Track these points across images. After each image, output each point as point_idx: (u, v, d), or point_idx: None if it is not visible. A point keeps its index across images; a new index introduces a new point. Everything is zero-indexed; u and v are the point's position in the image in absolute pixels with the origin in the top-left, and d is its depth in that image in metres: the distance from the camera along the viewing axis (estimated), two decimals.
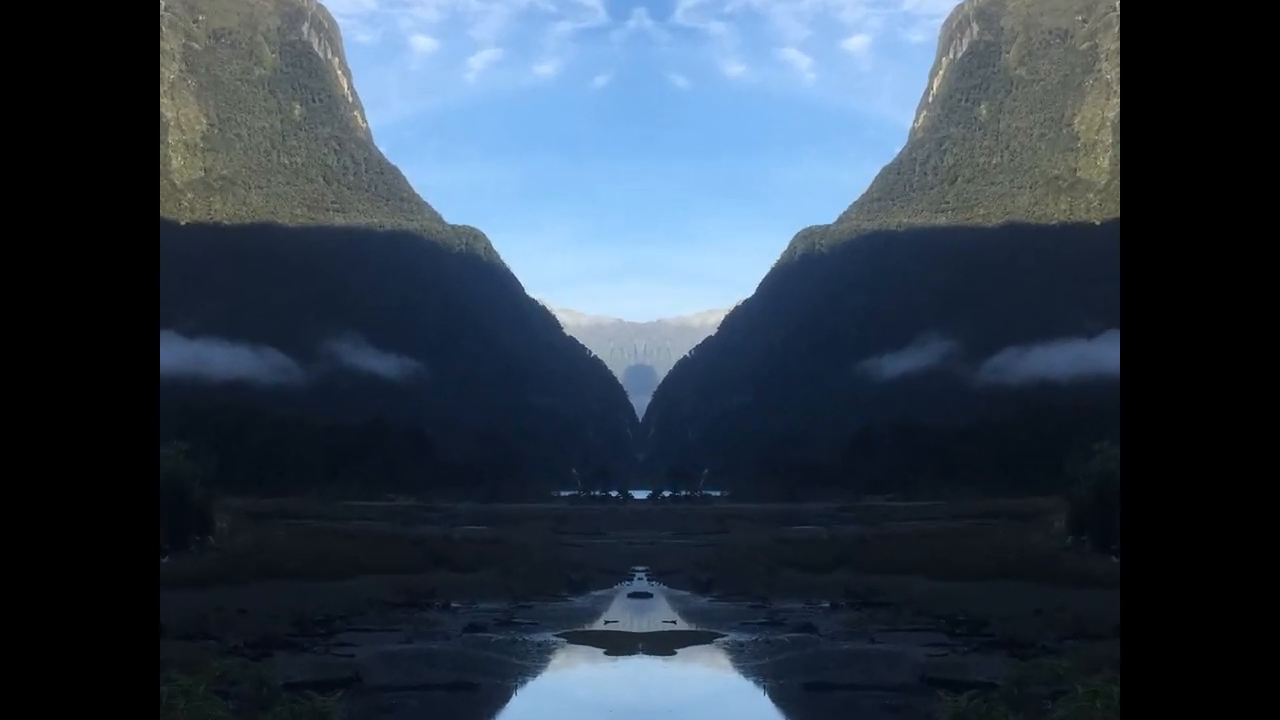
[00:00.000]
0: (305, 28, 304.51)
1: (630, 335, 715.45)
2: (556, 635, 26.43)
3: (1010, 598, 30.02)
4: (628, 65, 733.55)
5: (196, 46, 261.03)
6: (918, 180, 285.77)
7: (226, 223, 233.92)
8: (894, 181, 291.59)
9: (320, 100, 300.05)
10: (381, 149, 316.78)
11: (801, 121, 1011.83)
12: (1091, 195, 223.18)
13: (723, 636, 26.23)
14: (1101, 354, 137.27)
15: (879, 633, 25.92)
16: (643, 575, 43.78)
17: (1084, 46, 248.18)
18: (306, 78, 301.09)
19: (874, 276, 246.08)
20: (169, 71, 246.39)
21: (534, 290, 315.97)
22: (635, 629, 28.25)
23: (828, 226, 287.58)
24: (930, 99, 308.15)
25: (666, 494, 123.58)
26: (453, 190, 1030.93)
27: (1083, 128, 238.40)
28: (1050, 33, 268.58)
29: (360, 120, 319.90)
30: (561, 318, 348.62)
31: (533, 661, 23.22)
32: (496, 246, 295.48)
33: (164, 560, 33.22)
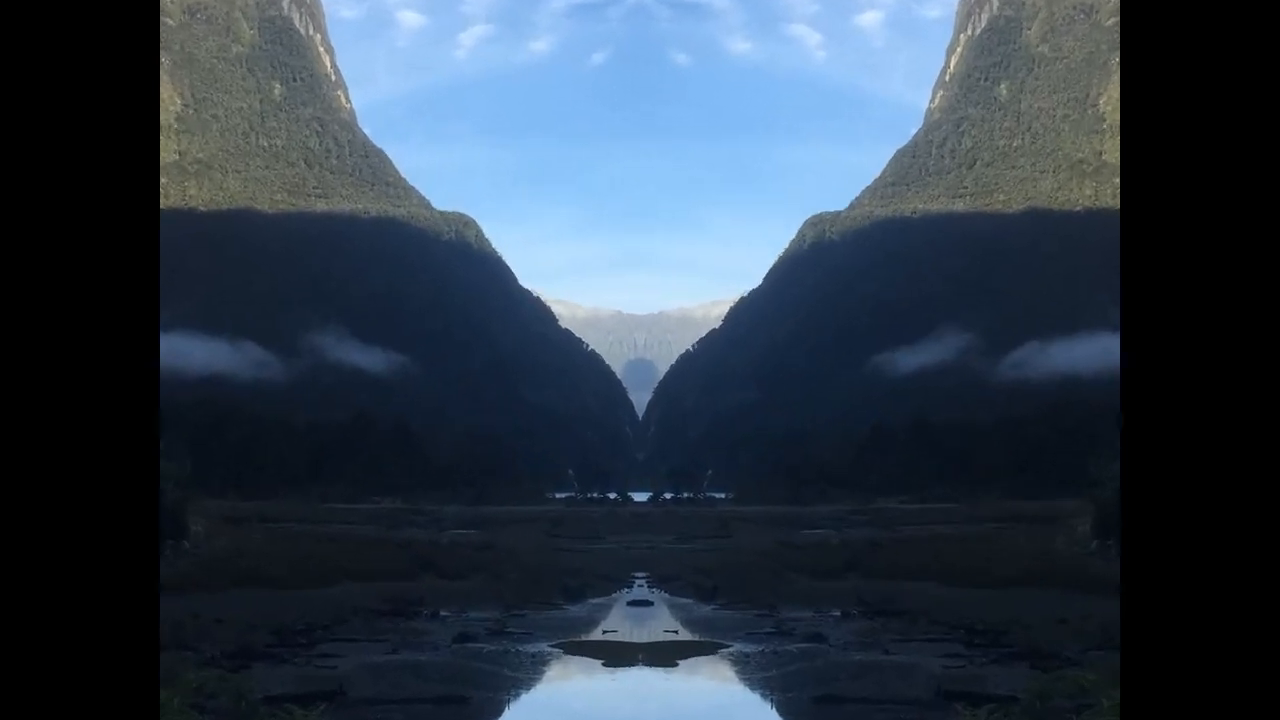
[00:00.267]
0: (285, 2, 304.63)
1: (629, 328, 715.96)
2: (551, 646, 26.45)
3: (1032, 606, 30.01)
4: (626, 42, 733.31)
5: (170, 22, 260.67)
6: (934, 164, 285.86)
7: (203, 209, 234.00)
8: (909, 165, 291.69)
9: (301, 79, 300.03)
10: (366, 131, 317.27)
11: (811, 101, 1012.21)
12: (1118, 180, 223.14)
13: (727, 647, 26.24)
14: None
15: (892, 643, 25.92)
16: (643, 582, 43.82)
17: (1109, 22, 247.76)
18: (287, 55, 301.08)
19: (887, 266, 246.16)
20: None
21: (527, 280, 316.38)
22: (635, 639, 28.25)
23: (838, 213, 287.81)
24: (947, 78, 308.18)
25: (668, 496, 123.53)
26: (441, 174, 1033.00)
27: (1108, 108, 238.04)
28: (1074, 8, 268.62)
29: (344, 100, 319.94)
30: (556, 309, 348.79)
31: (526, 673, 23.23)
32: (488, 234, 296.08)
33: None
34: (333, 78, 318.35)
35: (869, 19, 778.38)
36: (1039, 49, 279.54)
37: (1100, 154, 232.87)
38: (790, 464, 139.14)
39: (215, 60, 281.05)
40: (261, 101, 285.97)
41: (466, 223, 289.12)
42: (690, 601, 37.89)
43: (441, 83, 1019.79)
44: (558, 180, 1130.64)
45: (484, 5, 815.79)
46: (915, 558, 45.67)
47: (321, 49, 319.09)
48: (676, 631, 29.70)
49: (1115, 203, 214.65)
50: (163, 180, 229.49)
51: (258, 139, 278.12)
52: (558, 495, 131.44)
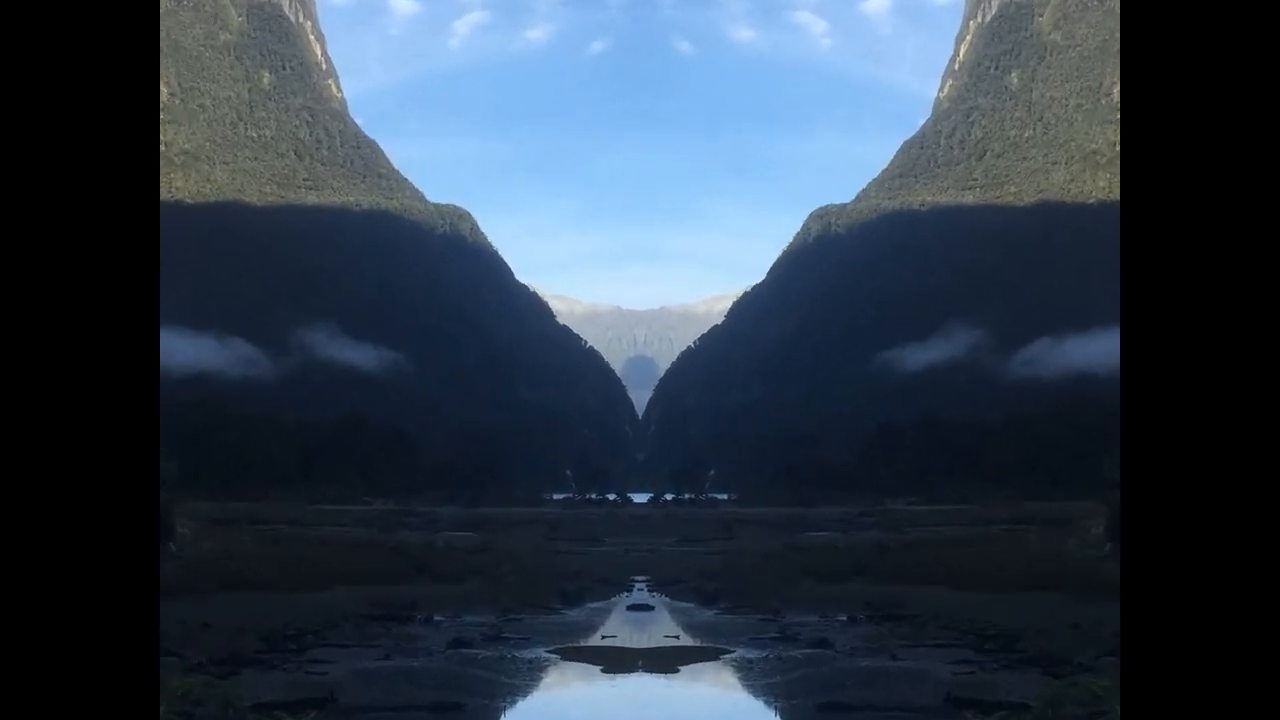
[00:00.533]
0: None
1: (629, 324, 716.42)
2: (549, 651, 26.43)
3: (1044, 610, 29.99)
4: (626, 30, 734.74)
5: None
6: (943, 155, 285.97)
7: (189, 201, 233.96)
8: (917, 156, 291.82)
9: (291, 68, 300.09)
10: (358, 121, 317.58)
11: (816, 91, 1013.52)
12: None
13: (730, 653, 26.22)
14: None
15: (900, 648, 25.90)
16: (643, 586, 43.79)
17: None
18: (276, 43, 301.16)
19: (895, 260, 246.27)
20: None
21: (524, 275, 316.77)
22: (635, 644, 28.23)
23: (845, 205, 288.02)
24: (956, 67, 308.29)
25: (669, 497, 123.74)
26: (436, 166, 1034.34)
27: None
28: None
29: (335, 90, 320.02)
30: (554, 305, 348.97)
31: (523, 680, 23.21)
32: (483, 227, 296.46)
33: None
34: (323, 66, 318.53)
35: (876, 6, 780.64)
36: (1051, 36, 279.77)
37: (1114, 145, 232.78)
38: (795, 464, 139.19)
39: (202, 48, 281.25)
40: (250, 91, 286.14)
41: (461, 215, 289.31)
42: (692, 606, 37.86)
43: (436, 71, 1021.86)
44: (556, 172, 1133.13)
45: None
46: (924, 561, 45.64)
47: (312, 37, 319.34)
48: (678, 637, 29.68)
49: None
50: None
51: (246, 129, 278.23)
52: (555, 496, 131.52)
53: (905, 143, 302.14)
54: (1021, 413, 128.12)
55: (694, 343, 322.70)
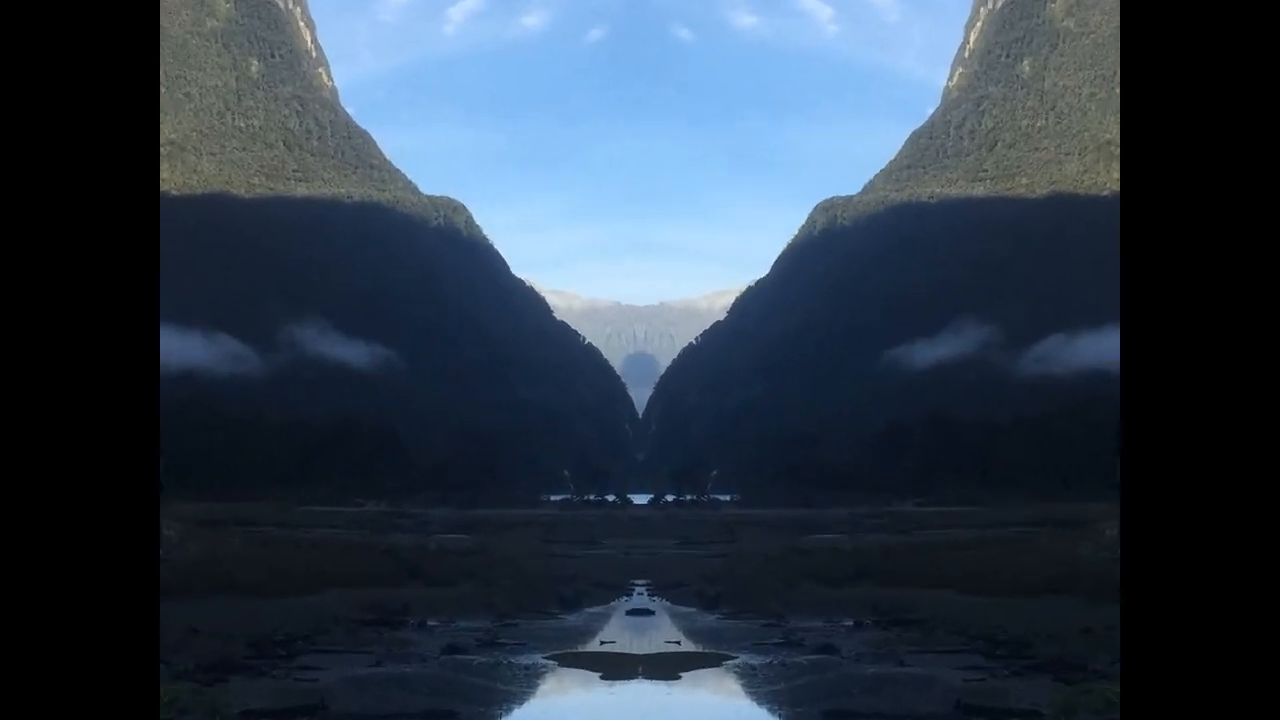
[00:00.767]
0: None
1: (629, 320, 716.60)
2: (546, 657, 26.46)
3: (1056, 615, 30.03)
4: (624, 16, 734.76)
5: None
6: (952, 145, 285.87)
7: (175, 193, 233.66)
8: (925, 147, 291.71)
9: (280, 55, 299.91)
10: (349, 110, 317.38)
11: (821, 79, 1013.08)
12: None
13: (733, 658, 26.25)
14: None
15: (908, 654, 25.92)
16: (643, 589, 43.84)
17: None
18: (265, 30, 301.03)
19: (902, 253, 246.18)
20: None
21: (520, 269, 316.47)
22: (635, 650, 28.27)
23: (851, 197, 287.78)
24: (966, 54, 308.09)
25: (669, 498, 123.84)
26: (429, 157, 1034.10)
27: None
28: None
29: (325, 78, 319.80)
30: (552, 300, 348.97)
31: (519, 687, 23.23)
32: (478, 220, 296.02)
33: None
34: (313, 54, 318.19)
35: None
36: (1064, 23, 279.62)
37: None
38: (799, 464, 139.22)
39: (188, 35, 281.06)
40: (238, 79, 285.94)
41: (456, 208, 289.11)
42: (693, 610, 37.91)
43: (429, 59, 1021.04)
44: (553, 163, 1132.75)
45: None
46: (932, 564, 45.71)
47: (302, 23, 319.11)
48: (679, 642, 29.71)
49: None
50: None
51: (234, 119, 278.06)
52: (553, 498, 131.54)
53: (913, 133, 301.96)
54: (1033, 411, 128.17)
55: (695, 339, 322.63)
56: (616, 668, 25.08)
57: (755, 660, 25.99)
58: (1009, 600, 34.41)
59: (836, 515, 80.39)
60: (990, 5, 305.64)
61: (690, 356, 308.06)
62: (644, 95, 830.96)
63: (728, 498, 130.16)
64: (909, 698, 21.18)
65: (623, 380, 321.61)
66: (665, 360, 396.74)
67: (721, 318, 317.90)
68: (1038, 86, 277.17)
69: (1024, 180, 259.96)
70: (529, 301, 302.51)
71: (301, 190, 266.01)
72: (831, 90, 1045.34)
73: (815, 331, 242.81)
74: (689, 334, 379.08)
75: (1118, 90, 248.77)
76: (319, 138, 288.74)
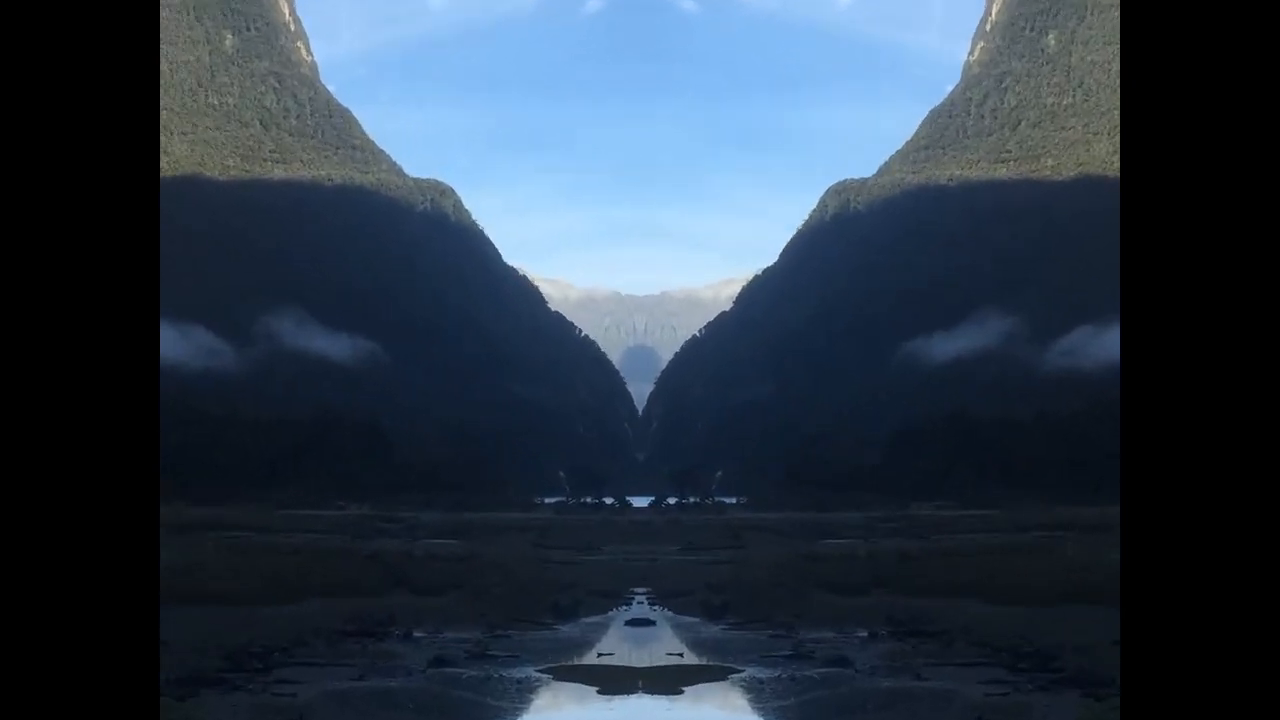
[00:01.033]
0: None
1: (629, 310, 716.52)
2: (540, 671, 26.46)
3: (1083, 625, 30.03)
4: None
5: None
6: (973, 125, 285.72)
7: None
8: (944, 126, 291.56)
9: (256, 29, 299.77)
10: (330, 88, 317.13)
11: (833, 54, 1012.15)
12: None
13: (739, 672, 26.26)
14: None
15: (926, 667, 25.94)
16: (643, 598, 43.87)
17: None
18: (240, 2, 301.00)
19: (920, 240, 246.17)
20: None
21: (512, 257, 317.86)
22: (635, 663, 28.28)
23: (865, 180, 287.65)
24: (988, 28, 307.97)
25: (671, 501, 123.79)
26: (415, 137, 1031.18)
27: None
28: None
29: (304, 53, 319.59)
30: (545, 289, 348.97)
31: (511, 702, 23.24)
32: (467, 204, 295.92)
33: None
34: (292, 28, 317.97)
35: None
36: None
37: None
38: (809, 465, 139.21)
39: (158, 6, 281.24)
40: (211, 54, 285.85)
41: (443, 191, 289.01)
42: (697, 620, 37.93)
43: (415, 33, 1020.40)
44: (547, 144, 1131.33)
45: None
46: (952, 571, 45.73)
47: None
48: (681, 654, 29.72)
49: None
50: None
51: (206, 96, 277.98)
52: (547, 500, 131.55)
53: (931, 111, 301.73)
54: (1059, 408, 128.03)
55: (699, 331, 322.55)
56: (615, 682, 25.08)
57: (763, 673, 26.00)
58: (1033, 609, 34.43)
59: (849, 519, 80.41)
60: None
61: (693, 350, 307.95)
62: (644, 72, 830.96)
63: (733, 500, 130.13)
64: (926, 713, 21.19)
65: (621, 375, 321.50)
66: (667, 354, 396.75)
67: (727, 308, 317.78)
68: (1064, 61, 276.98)
69: (1049, 162, 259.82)
70: (521, 291, 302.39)
71: (279, 172, 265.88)
72: (844, 66, 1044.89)
73: (826, 323, 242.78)
74: (692, 326, 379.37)
75: None
76: (298, 117, 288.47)
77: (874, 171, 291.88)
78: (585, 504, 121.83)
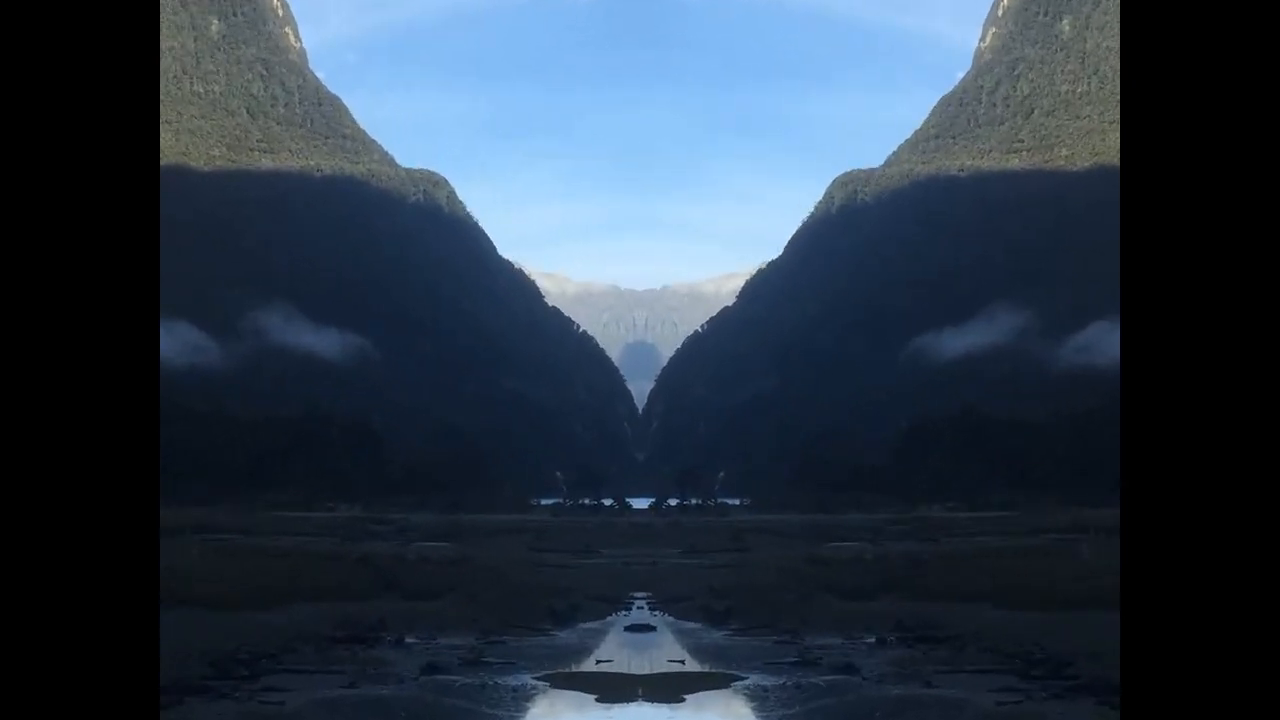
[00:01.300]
0: None
1: (628, 305, 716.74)
2: (536, 678, 26.47)
3: (1100, 631, 29.99)
4: None
5: None
6: (984, 113, 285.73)
7: None
8: (955, 115, 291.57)
9: (243, 14, 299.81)
10: (319, 75, 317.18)
11: (840, 40, 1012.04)
12: None
13: (742, 679, 26.26)
14: None
15: (936, 674, 25.94)
16: (643, 603, 43.88)
17: None
18: None
19: (930, 233, 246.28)
20: None
21: (508, 250, 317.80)
22: (634, 670, 28.29)
23: (873, 171, 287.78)
24: (1000, 13, 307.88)
25: (672, 502, 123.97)
26: (407, 126, 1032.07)
27: None
28: None
29: (292, 39, 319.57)
30: (542, 284, 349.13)
31: (506, 710, 23.24)
32: (461, 195, 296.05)
33: None
34: (280, 13, 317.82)
35: None
36: None
37: None
38: (816, 465, 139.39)
39: None
40: (196, 40, 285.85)
41: (436, 182, 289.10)
42: (699, 626, 37.94)
43: (406, 19, 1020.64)
44: (543, 133, 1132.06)
45: None
46: (962, 575, 45.74)
47: None
48: (683, 661, 29.72)
49: None
50: None
51: (191, 84, 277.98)
52: (544, 502, 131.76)
53: (942, 99, 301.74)
54: (1074, 406, 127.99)
55: (701, 327, 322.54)
56: (614, 689, 25.09)
57: (767, 681, 26.00)
58: (1047, 615, 34.42)
59: (856, 521, 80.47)
60: None
61: (695, 346, 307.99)
62: (644, 57, 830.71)
63: (737, 502, 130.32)
64: None
65: (621, 372, 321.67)
66: (668, 350, 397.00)
67: (730, 303, 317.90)
68: (1079, 47, 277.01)
69: (1064, 151, 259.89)
70: (517, 285, 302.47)
71: (266, 163, 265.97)
72: (851, 51, 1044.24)
73: (832, 319, 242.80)
74: (694, 321, 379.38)
75: None
76: (285, 105, 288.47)
77: (882, 161, 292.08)
78: (583, 505, 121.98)
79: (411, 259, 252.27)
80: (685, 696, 24.55)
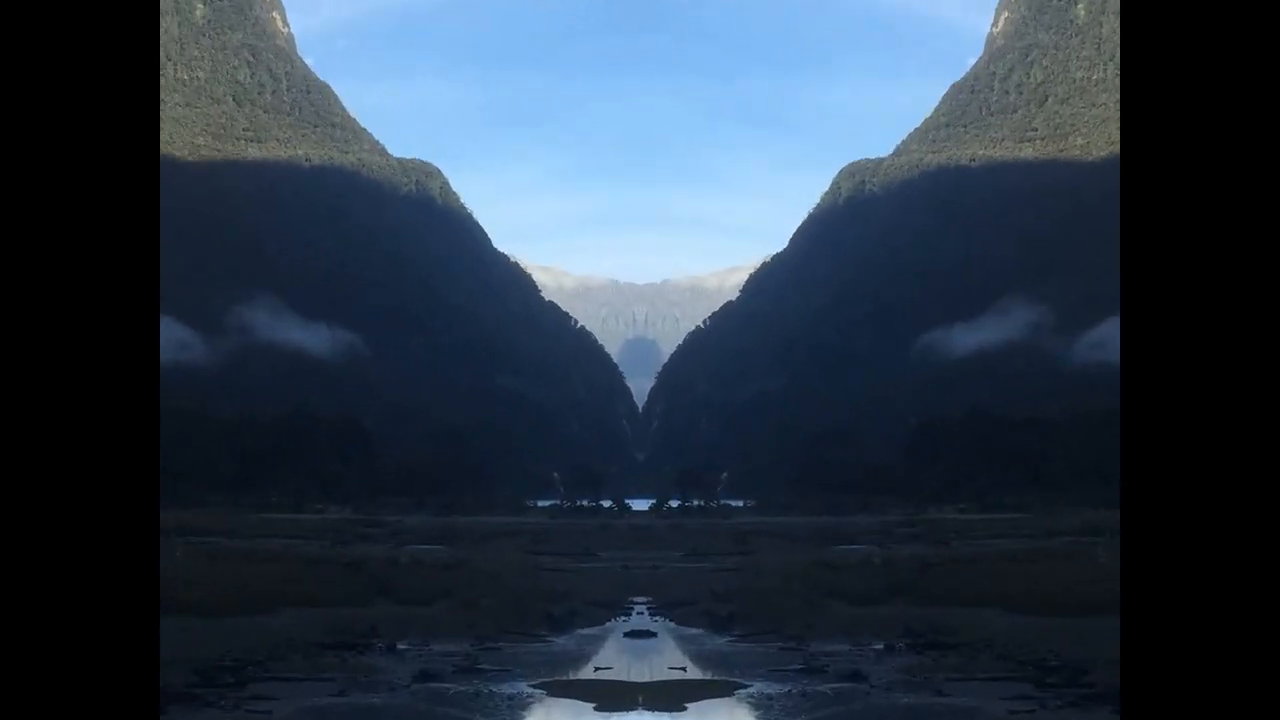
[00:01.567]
0: None
1: (628, 299, 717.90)
2: (533, 686, 26.45)
3: (1116, 638, 29.99)
4: None
5: None
6: (997, 101, 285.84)
7: None
8: (966, 102, 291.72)
9: None
10: (307, 61, 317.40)
11: (847, 26, 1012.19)
12: None
13: (746, 687, 26.24)
14: None
15: (947, 682, 25.92)
16: (644, 608, 43.84)
17: None
18: None
19: (940, 225, 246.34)
20: None
21: (503, 242, 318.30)
22: (634, 677, 28.26)
23: (881, 160, 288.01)
24: None
25: (674, 504, 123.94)
26: (399, 114, 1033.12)
27: None
28: None
29: (280, 24, 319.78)
30: (539, 277, 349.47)
31: (502, 719, 23.23)
32: (455, 187, 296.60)
33: None
34: None
35: None
36: None
37: None
38: (822, 466, 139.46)
39: None
40: (180, 25, 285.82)
41: (430, 172, 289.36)
42: (701, 632, 37.91)
43: (400, 3, 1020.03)
44: (539, 122, 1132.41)
45: None
46: (974, 579, 45.72)
47: None
48: (684, 668, 29.70)
49: None
50: None
51: (175, 70, 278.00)
52: (540, 503, 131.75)
53: (952, 86, 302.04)
54: (1090, 405, 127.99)
55: (703, 322, 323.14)
56: (614, 697, 25.08)
57: (772, 689, 25.98)
58: (1062, 620, 34.41)
59: (865, 523, 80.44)
60: None
61: (697, 342, 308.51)
62: (645, 44, 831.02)
63: (740, 503, 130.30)
64: None
65: (620, 369, 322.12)
66: (669, 346, 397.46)
67: (733, 297, 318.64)
68: (1094, 32, 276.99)
69: (1078, 140, 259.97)
70: (513, 279, 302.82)
71: (253, 152, 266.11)
72: (859, 37, 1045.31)
73: (839, 314, 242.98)
74: (696, 316, 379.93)
75: None
76: (273, 92, 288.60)
77: (890, 151, 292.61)
78: (581, 507, 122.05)
79: (403, 252, 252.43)
80: (687, 705, 24.54)
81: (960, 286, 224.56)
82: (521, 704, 24.72)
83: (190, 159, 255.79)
